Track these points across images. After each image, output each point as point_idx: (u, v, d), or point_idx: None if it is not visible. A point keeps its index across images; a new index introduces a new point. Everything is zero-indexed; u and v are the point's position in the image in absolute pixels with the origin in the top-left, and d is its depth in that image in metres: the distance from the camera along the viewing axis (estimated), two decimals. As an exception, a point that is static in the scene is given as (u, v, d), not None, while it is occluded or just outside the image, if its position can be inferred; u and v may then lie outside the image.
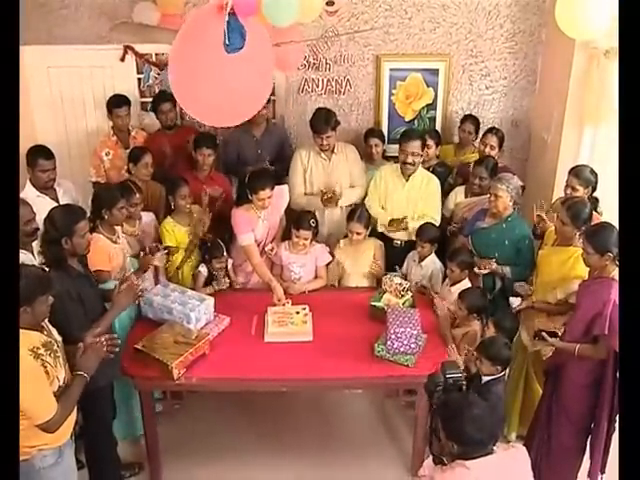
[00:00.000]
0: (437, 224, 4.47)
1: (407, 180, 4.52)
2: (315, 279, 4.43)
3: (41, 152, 4.10)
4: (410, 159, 4.42)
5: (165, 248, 4.13)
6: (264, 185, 4.11)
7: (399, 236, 4.55)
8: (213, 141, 4.72)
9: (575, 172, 4.01)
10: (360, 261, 4.43)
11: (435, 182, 4.59)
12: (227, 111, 3.45)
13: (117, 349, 3.00)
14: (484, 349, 3.27)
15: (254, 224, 4.26)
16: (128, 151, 4.66)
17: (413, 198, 4.53)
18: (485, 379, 3.28)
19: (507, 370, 3.70)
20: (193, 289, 4.13)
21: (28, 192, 4.01)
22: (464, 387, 2.71)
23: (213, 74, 3.25)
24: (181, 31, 3.18)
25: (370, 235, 4.47)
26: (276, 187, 4.35)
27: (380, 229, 4.55)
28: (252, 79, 3.38)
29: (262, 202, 4.15)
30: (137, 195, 4.04)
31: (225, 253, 4.24)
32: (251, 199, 4.17)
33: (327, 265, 4.46)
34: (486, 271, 3.99)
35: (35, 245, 3.50)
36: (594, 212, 3.76)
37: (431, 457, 2.57)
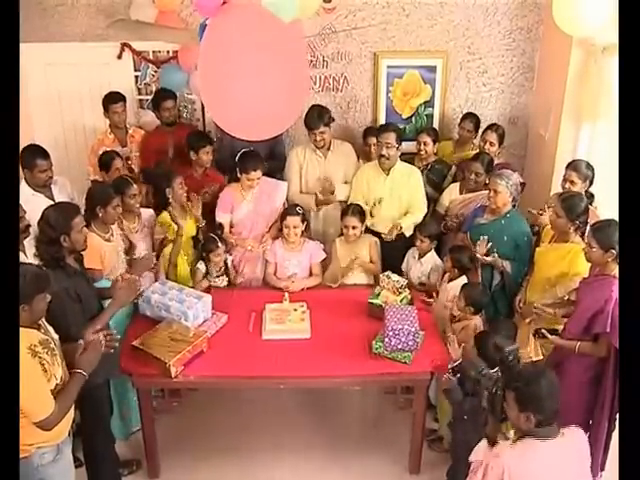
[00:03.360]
0: (423, 215, 4.53)
1: (387, 174, 4.53)
2: (310, 276, 4.42)
3: (38, 152, 4.07)
4: (385, 151, 4.42)
5: (161, 241, 4.19)
6: (256, 166, 4.25)
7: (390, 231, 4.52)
8: (210, 139, 4.73)
9: (573, 166, 4.04)
10: (356, 257, 4.39)
11: (417, 174, 4.61)
12: (256, 124, 3.46)
13: (117, 344, 3.00)
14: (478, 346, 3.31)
15: (236, 204, 4.38)
16: (98, 157, 4.60)
17: (396, 191, 4.54)
18: None
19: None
20: (192, 287, 4.13)
21: (23, 191, 3.97)
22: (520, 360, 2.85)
23: (244, 85, 3.26)
24: (208, 37, 3.20)
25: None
26: (274, 180, 4.46)
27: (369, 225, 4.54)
28: (284, 94, 3.37)
29: (251, 182, 4.28)
30: (134, 186, 4.03)
31: (220, 244, 4.24)
32: (240, 178, 4.31)
33: (322, 262, 4.45)
34: (489, 259, 3.98)
35: (27, 243, 3.48)
36: (590, 206, 3.78)
37: (484, 440, 2.62)
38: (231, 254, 4.42)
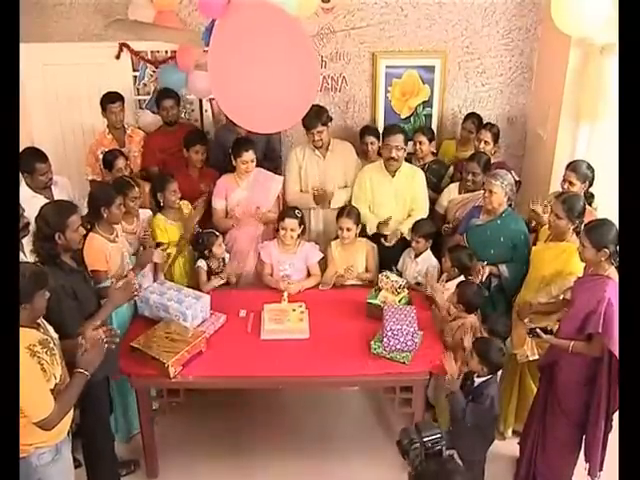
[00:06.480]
0: (425, 216, 4.51)
1: (393, 176, 4.53)
2: (309, 277, 4.41)
3: (36, 155, 4.05)
4: (394, 154, 4.42)
5: (157, 245, 4.15)
6: (248, 147, 4.32)
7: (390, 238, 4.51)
8: (204, 138, 4.73)
9: (573, 166, 4.04)
10: (352, 263, 4.37)
11: (421, 175, 4.60)
12: (267, 116, 3.44)
13: (117, 339, 2.99)
14: (478, 345, 3.33)
15: (230, 189, 4.44)
16: (101, 157, 4.61)
17: (401, 194, 4.53)
18: (477, 381, 3.31)
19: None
20: (190, 287, 4.12)
21: (23, 193, 3.97)
22: (444, 449, 2.40)
23: (254, 77, 3.24)
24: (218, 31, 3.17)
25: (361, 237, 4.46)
26: (271, 173, 4.53)
27: (370, 232, 4.53)
28: (294, 87, 3.36)
29: (246, 165, 4.33)
30: (136, 189, 4.03)
31: (218, 233, 4.26)
32: (235, 165, 4.37)
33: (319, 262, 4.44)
34: (483, 277, 3.97)
35: (25, 242, 3.48)
36: (589, 207, 3.78)
37: None
38: (228, 252, 4.41)
